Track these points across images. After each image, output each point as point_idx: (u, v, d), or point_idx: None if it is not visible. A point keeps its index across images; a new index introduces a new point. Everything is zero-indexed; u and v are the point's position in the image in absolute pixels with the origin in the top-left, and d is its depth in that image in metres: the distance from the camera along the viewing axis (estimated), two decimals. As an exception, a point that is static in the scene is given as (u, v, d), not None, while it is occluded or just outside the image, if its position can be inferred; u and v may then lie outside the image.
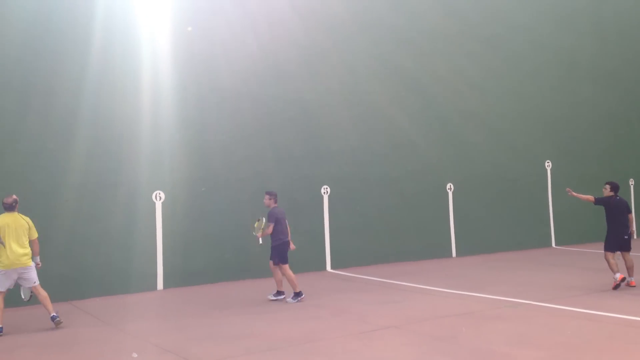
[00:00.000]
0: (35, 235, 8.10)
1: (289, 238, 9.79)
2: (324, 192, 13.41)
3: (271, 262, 9.67)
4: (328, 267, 13.23)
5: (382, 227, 14.10)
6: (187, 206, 11.57)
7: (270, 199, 9.74)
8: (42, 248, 8.35)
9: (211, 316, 8.64)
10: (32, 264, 8.04)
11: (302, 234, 12.85)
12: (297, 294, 9.48)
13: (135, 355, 6.51)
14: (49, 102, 10.36)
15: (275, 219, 9.51)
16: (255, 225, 9.63)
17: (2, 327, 7.71)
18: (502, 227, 15.91)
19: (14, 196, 8.08)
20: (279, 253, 9.53)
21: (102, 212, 10.67)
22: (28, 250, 7.97)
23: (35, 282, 8.04)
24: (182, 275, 11.27)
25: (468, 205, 15.53)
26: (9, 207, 7.97)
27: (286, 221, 9.78)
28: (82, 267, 10.35)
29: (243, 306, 9.30)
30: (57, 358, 6.65)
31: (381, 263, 13.82)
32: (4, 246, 7.72)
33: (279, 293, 9.70)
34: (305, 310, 8.86)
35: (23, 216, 8.08)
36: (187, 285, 11.20)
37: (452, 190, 15.41)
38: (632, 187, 18.69)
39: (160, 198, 11.28)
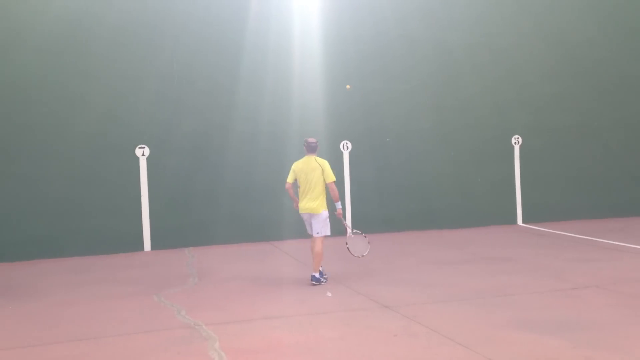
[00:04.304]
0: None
1: None
2: (515, 143, 12.68)
3: None
4: (519, 221, 12.62)
5: (582, 180, 13.02)
6: (372, 156, 11.76)
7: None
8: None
9: (401, 264, 8.79)
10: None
11: (491, 185, 12.43)
12: None
13: (329, 294, 6.90)
14: (239, 59, 11.11)
15: None
16: None
17: None
18: None
19: None
20: None
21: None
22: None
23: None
24: (370, 222, 11.57)
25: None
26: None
27: None
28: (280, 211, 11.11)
29: (429, 256, 9.31)
30: (262, 290, 7.29)
31: (580, 219, 12.82)
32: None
33: None
34: (497, 264, 8.59)
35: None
36: (378, 233, 11.49)
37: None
38: None
39: (347, 148, 11.60)
